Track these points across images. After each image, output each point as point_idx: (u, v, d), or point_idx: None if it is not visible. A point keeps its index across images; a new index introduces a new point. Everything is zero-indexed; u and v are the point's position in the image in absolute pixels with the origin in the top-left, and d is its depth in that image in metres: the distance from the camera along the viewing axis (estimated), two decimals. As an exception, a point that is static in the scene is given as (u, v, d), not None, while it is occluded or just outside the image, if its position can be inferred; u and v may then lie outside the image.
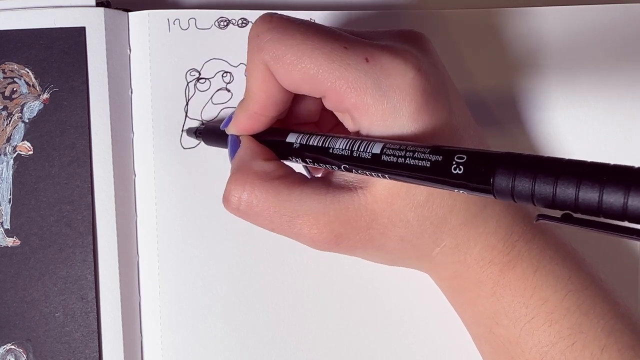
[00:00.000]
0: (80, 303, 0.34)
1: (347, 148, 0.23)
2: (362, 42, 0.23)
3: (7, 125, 0.34)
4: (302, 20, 0.24)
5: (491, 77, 0.34)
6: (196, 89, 0.34)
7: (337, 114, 0.26)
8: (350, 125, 0.25)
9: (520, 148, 0.34)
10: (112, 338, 0.34)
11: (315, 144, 0.24)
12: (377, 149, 0.22)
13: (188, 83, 0.34)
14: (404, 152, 0.21)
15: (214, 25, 0.34)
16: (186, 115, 0.34)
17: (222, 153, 0.34)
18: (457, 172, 0.19)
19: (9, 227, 0.34)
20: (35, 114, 0.34)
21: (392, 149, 0.21)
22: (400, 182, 0.23)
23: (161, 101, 0.34)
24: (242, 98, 0.27)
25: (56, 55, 0.34)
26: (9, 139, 0.34)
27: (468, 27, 0.34)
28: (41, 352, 0.34)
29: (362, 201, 0.24)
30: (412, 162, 0.21)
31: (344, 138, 0.23)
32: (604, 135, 0.34)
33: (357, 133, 0.24)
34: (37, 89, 0.34)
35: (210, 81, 0.34)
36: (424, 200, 0.24)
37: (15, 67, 0.34)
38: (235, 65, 0.34)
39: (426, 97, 0.23)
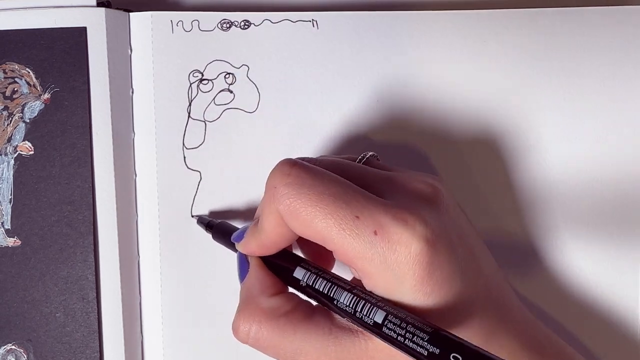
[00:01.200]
0: (81, 303, 0.34)
1: (350, 306, 0.23)
2: (373, 210, 0.24)
3: (7, 125, 0.34)
4: (321, 173, 0.25)
5: (490, 81, 0.34)
6: (199, 90, 0.34)
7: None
8: (356, 275, 0.26)
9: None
10: (113, 338, 0.34)
11: (320, 289, 0.25)
12: (379, 318, 0.22)
13: (191, 84, 0.34)
14: (404, 330, 0.21)
15: (216, 27, 0.34)
16: (189, 116, 0.34)
17: (225, 152, 0.34)
18: None
19: (9, 227, 0.34)
20: (36, 114, 0.34)
21: (394, 323, 0.22)
22: None
23: (164, 102, 0.34)
24: (256, 222, 0.27)
25: (57, 55, 0.34)
26: (9, 139, 0.34)
27: (467, 27, 0.34)
28: (42, 352, 0.34)
29: (364, 347, 0.24)
30: (410, 344, 0.21)
31: (348, 293, 0.24)
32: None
33: (359, 283, 0.25)
34: (38, 89, 0.34)
35: (212, 82, 0.34)
36: None
37: (16, 67, 0.34)
38: (238, 67, 0.34)
39: (431, 269, 0.23)
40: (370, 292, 0.24)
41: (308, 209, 0.24)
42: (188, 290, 0.34)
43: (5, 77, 0.34)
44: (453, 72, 0.34)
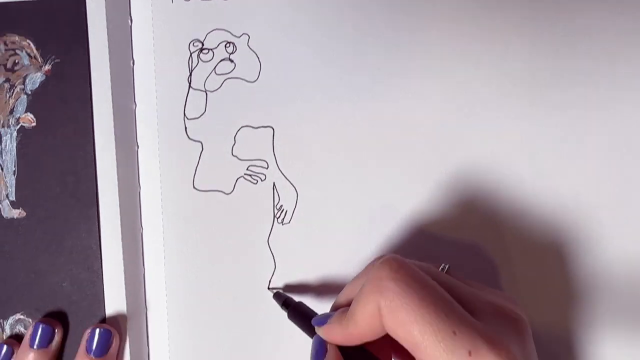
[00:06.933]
0: (87, 273, 0.34)
1: None
2: (469, 329, 0.24)
3: (9, 97, 0.34)
4: (426, 279, 0.25)
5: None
6: (199, 60, 0.34)
7: None
8: None
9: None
10: (116, 309, 0.34)
11: None
12: None
13: (191, 54, 0.34)
14: None
15: (215, -6, 0.34)
16: (189, 86, 0.34)
17: (227, 122, 0.34)
18: None
19: (14, 199, 0.34)
20: (37, 86, 0.34)
21: None
22: None
23: (164, 72, 0.34)
24: (339, 303, 0.28)
25: (57, 26, 0.34)
26: (11, 111, 0.34)
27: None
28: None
29: None
30: None
31: None
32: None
33: None
34: (39, 60, 0.34)
35: (213, 52, 0.34)
36: None
37: (17, 38, 0.34)
38: (238, 36, 0.34)
39: None
40: None
41: (410, 311, 0.24)
42: (191, 261, 0.35)
43: (6, 49, 0.34)
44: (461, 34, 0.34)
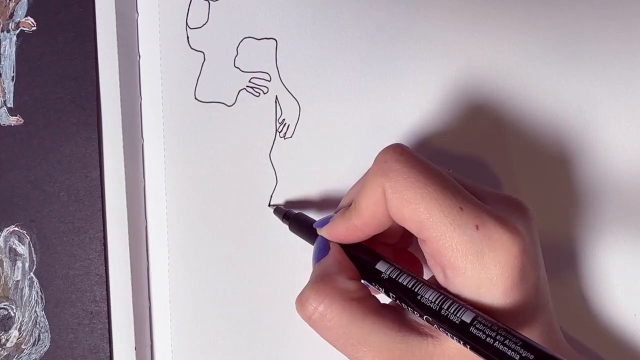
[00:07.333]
0: (85, 182, 0.33)
1: (436, 302, 0.23)
2: (476, 206, 0.24)
3: (10, 1, 0.33)
4: (430, 164, 0.25)
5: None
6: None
7: (428, 260, 0.26)
8: (440, 278, 0.25)
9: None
10: (116, 219, 0.33)
11: (404, 284, 0.24)
12: (467, 318, 0.22)
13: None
14: (494, 333, 0.21)
15: None
16: (192, -7, 0.34)
17: (230, 32, 0.34)
18: None
19: (12, 106, 0.33)
20: (38, -11, 0.33)
21: (483, 324, 0.21)
22: None
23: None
24: (343, 206, 0.27)
25: None
26: (11, 15, 0.33)
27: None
28: (45, 233, 0.34)
29: (430, 351, 0.24)
30: (500, 347, 0.20)
31: (434, 291, 0.23)
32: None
33: (441, 287, 0.24)
34: (41, -34, 0.33)
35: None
36: None
37: (18, -58, 0.34)
38: (242, -59, 0.34)
39: (522, 275, 0.23)
40: (456, 295, 0.24)
41: (416, 189, 0.24)
42: (191, 173, 0.34)
43: (7, -45, 0.34)
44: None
